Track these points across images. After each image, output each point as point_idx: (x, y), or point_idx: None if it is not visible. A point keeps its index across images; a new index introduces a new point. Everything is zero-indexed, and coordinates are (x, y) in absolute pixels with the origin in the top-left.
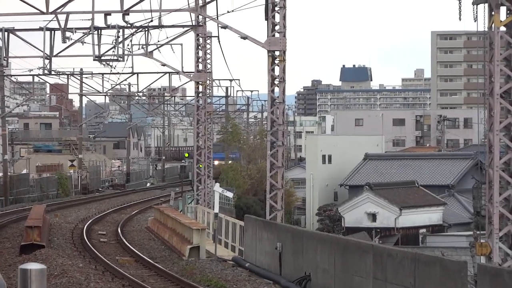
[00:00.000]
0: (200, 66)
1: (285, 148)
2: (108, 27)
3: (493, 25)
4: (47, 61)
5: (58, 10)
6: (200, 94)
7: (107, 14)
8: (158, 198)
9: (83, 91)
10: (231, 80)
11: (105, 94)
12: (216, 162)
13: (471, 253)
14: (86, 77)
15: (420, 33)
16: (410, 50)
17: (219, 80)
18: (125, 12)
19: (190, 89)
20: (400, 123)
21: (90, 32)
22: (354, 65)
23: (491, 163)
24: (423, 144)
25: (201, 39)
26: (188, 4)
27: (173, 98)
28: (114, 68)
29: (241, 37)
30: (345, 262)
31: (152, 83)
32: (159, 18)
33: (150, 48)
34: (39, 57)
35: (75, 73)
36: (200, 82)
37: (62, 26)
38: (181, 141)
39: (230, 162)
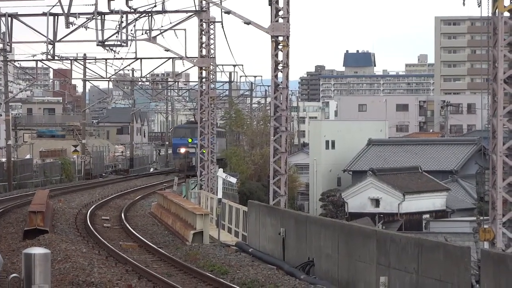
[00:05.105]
0: (204, 52)
1: (289, 133)
2: (112, 12)
3: (497, 11)
4: (50, 46)
5: None
6: (204, 80)
7: None
8: (161, 183)
9: (87, 77)
10: (234, 66)
11: (108, 79)
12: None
13: (475, 239)
14: (89, 62)
15: (424, 18)
16: (413, 35)
17: (222, 65)
18: None
19: (193, 75)
20: (403, 109)
21: (94, 17)
22: (357, 51)
23: (495, 149)
24: (427, 130)
25: (204, 25)
26: None
27: (176, 83)
28: (118, 53)
29: (245, 22)
30: (349, 248)
31: (155, 68)
32: (163, 3)
33: (153, 33)
34: (42, 42)
35: (78, 58)
36: (203, 68)
37: (66, 11)
38: None
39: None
